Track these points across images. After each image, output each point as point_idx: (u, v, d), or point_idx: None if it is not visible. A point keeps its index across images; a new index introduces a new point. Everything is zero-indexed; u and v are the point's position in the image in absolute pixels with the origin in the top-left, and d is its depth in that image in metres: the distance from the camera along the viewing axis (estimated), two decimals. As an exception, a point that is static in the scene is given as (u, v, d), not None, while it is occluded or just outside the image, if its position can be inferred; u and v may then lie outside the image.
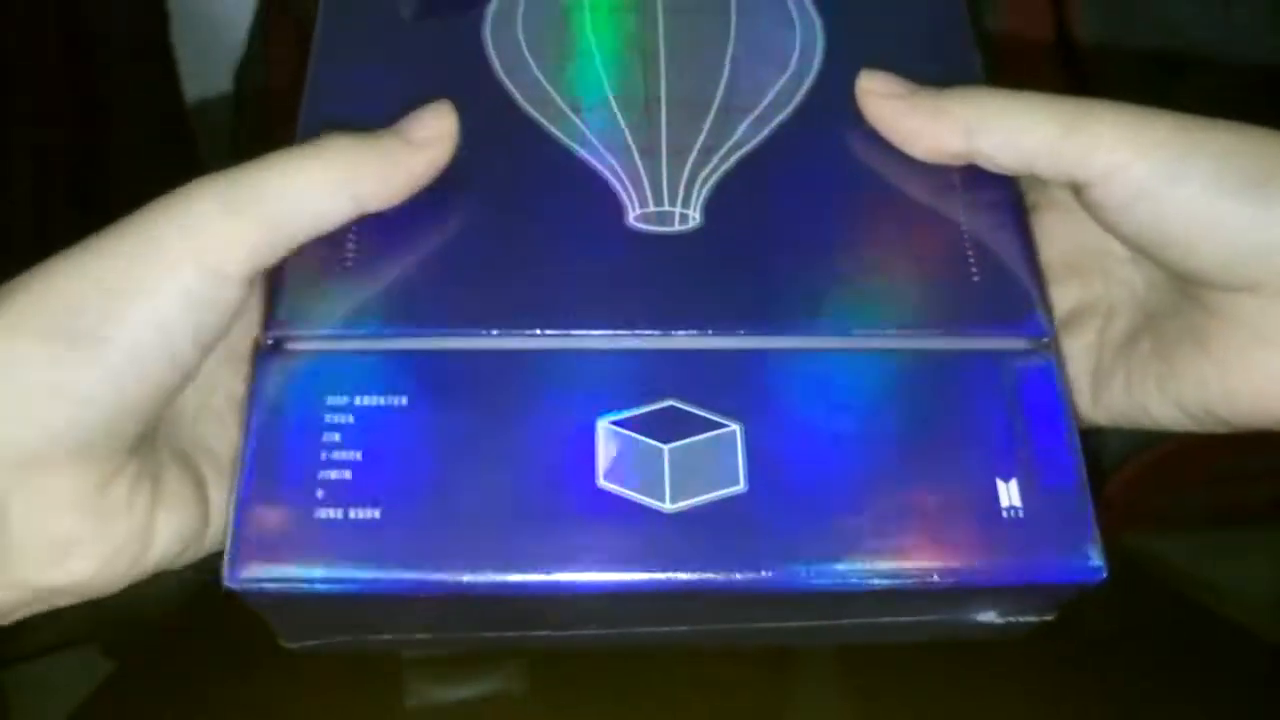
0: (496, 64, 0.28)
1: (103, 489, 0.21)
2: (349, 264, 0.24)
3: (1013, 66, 0.56)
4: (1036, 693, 0.39)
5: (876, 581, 0.22)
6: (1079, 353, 0.27)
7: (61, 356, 0.20)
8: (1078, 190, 0.25)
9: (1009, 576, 0.23)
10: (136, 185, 0.59)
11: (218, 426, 0.24)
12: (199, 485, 0.23)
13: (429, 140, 0.24)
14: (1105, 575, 0.24)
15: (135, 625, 0.49)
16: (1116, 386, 0.26)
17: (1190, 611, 0.46)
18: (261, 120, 0.58)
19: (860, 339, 0.24)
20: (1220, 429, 0.25)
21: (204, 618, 0.48)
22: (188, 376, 0.22)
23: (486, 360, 0.23)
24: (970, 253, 0.26)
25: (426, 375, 0.23)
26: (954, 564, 0.22)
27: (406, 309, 0.24)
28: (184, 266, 0.21)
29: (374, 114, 0.25)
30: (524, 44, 0.28)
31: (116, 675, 0.44)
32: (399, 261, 0.25)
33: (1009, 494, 0.23)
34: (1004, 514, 0.23)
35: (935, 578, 0.22)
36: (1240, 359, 0.24)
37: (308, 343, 0.24)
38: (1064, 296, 0.27)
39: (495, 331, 0.24)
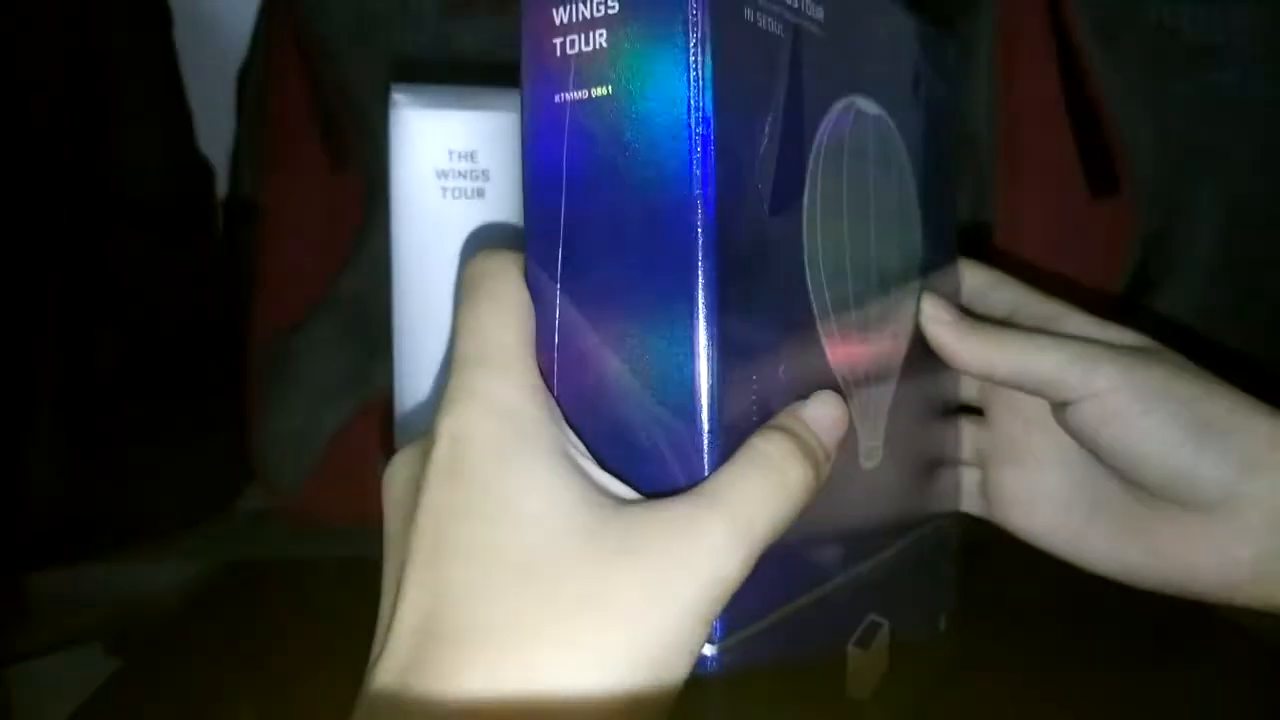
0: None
1: None
2: None
3: (1011, 75, 0.56)
4: (1034, 692, 0.39)
5: None
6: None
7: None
8: (1059, 407, 0.32)
9: None
10: (138, 186, 0.59)
11: None
12: None
13: (833, 432, 0.26)
14: None
15: (137, 625, 0.49)
16: (1049, 533, 0.35)
17: (1190, 611, 0.46)
18: (262, 124, 0.58)
19: None
20: (1143, 587, 0.33)
21: (206, 618, 0.48)
22: None
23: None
24: None
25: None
26: None
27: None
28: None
29: None
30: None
31: (118, 675, 0.44)
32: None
33: None
34: None
35: None
36: (1169, 548, 0.31)
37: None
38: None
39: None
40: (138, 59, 0.58)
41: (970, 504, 0.38)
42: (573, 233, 0.25)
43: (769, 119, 0.26)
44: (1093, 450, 0.32)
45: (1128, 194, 0.54)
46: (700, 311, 0.23)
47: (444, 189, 0.37)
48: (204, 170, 0.62)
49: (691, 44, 0.23)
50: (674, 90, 0.23)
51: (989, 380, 0.34)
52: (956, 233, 0.39)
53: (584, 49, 0.25)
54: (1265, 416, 0.30)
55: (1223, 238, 0.55)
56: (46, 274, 0.51)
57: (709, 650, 0.24)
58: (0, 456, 0.50)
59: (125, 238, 0.55)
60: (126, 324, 0.55)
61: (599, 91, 0.24)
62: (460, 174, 0.37)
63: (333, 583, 0.47)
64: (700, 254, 0.23)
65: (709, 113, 0.23)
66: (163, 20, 0.60)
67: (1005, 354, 0.32)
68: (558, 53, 0.25)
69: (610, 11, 0.24)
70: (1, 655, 0.45)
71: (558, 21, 0.25)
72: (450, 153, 0.37)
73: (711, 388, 0.23)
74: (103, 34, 0.54)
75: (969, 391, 0.38)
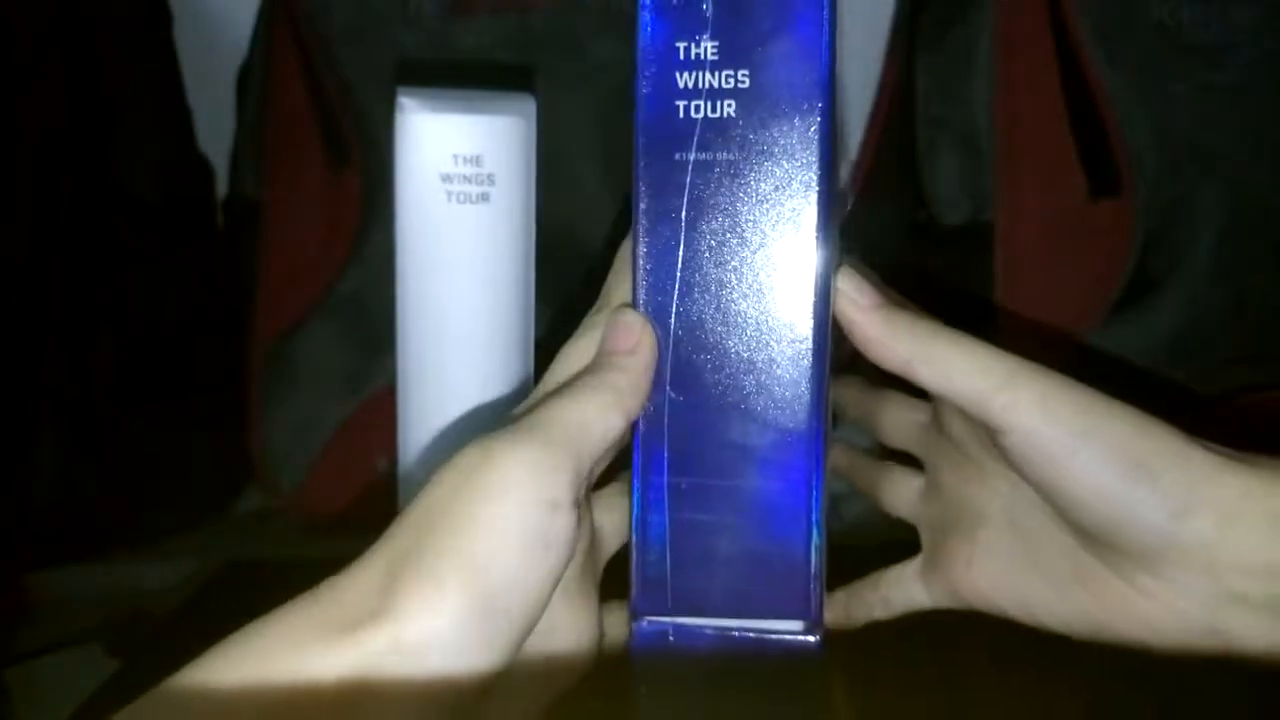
0: None
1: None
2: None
3: (1010, 75, 0.56)
4: (1033, 692, 0.39)
5: None
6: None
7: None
8: (991, 431, 0.29)
9: None
10: (138, 185, 0.59)
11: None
12: None
13: (645, 347, 0.28)
14: None
15: (139, 624, 0.49)
16: (992, 590, 0.33)
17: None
18: (262, 123, 0.58)
19: None
20: (1094, 641, 0.31)
21: (206, 618, 0.48)
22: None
23: None
24: None
25: None
26: None
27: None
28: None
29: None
30: None
31: (120, 674, 0.44)
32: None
33: None
34: None
35: None
36: (1114, 601, 0.29)
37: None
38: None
39: None
40: (138, 58, 0.58)
41: (907, 588, 0.36)
42: (688, 278, 0.29)
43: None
44: (1030, 484, 0.30)
45: (1127, 194, 0.55)
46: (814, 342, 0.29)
47: (449, 193, 0.37)
48: (204, 170, 0.62)
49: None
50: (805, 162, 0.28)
51: (904, 376, 0.30)
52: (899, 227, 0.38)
53: (710, 115, 0.28)
54: (1199, 451, 0.27)
55: (1223, 238, 0.55)
56: (46, 273, 0.51)
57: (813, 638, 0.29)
58: (0, 456, 0.50)
59: (125, 237, 0.55)
60: (126, 323, 0.55)
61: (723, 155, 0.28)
62: (465, 178, 0.37)
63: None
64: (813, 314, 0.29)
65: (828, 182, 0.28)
66: (163, 19, 0.59)
67: (930, 359, 0.29)
68: (680, 115, 0.28)
69: (741, 86, 0.28)
70: (1, 655, 0.45)
71: (681, 86, 0.28)
72: (455, 157, 0.37)
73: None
74: (102, 33, 0.54)
75: (905, 437, 0.36)
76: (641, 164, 0.28)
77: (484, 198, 0.37)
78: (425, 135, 0.37)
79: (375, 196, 0.55)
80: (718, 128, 0.28)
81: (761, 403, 0.29)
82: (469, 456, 0.25)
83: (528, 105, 0.38)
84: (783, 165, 0.28)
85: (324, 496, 0.56)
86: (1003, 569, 0.32)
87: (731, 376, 0.29)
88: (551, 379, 0.29)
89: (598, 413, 0.27)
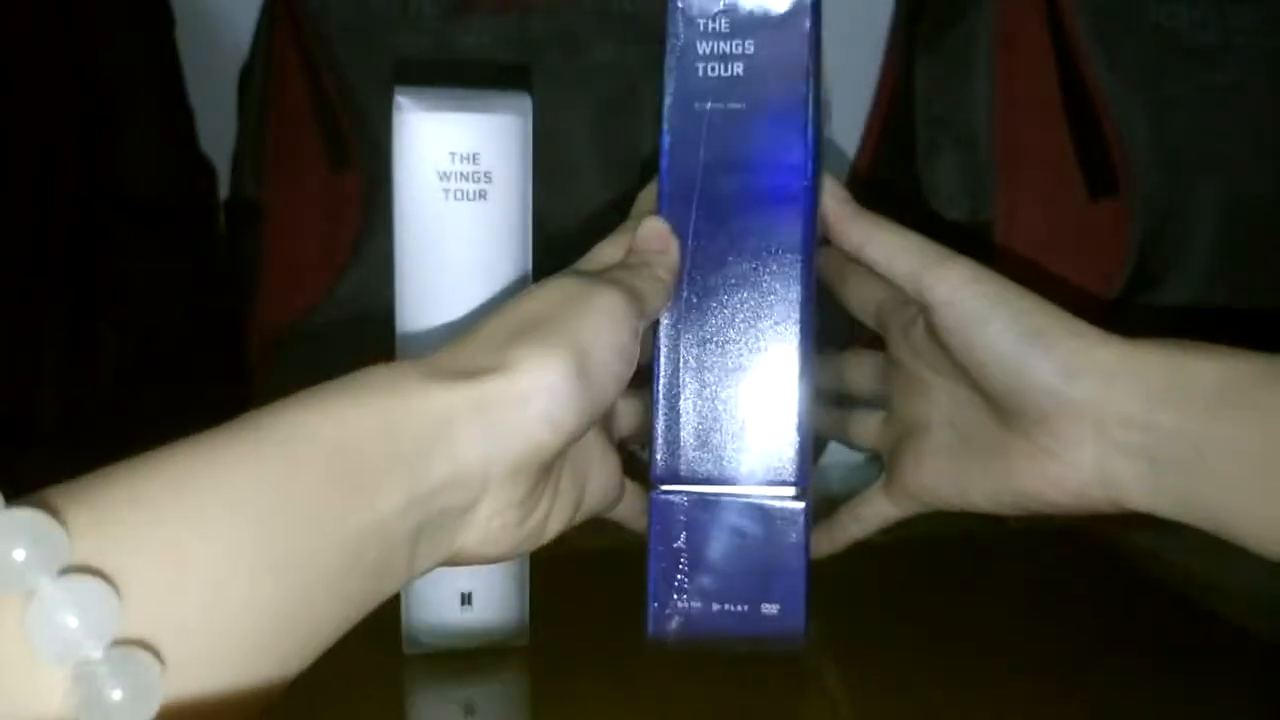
0: None
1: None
2: None
3: (1009, 76, 0.56)
4: (1034, 693, 0.39)
5: None
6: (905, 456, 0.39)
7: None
8: (926, 313, 0.36)
9: None
10: (140, 185, 0.59)
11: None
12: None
13: (672, 248, 0.35)
14: None
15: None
16: (936, 480, 0.38)
17: (1190, 611, 0.46)
18: (263, 124, 0.58)
19: None
20: (1018, 514, 0.36)
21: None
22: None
23: None
24: None
25: None
26: None
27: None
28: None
29: None
30: None
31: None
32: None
33: None
34: None
35: None
36: (1025, 464, 0.34)
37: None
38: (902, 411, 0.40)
39: None
40: (140, 59, 0.58)
41: (875, 504, 0.41)
42: (704, 198, 0.36)
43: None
44: (956, 362, 0.35)
45: (1126, 194, 0.55)
46: (801, 252, 0.35)
47: (446, 191, 0.37)
48: (206, 170, 0.62)
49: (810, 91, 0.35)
50: (793, 113, 0.35)
51: (859, 258, 0.37)
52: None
53: (723, 74, 0.36)
54: (1087, 326, 0.33)
55: (1221, 238, 0.55)
56: (48, 273, 0.51)
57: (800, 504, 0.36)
58: (1, 456, 0.50)
59: (127, 237, 0.55)
60: (128, 323, 0.56)
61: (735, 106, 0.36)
62: (463, 176, 0.37)
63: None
64: (802, 220, 0.35)
65: (814, 129, 0.35)
66: (164, 20, 0.60)
67: (876, 241, 0.36)
68: (700, 74, 0.36)
69: (747, 52, 0.35)
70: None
71: (701, 51, 0.36)
72: (452, 155, 0.37)
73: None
74: (104, 34, 0.55)
75: (868, 384, 0.43)
76: (670, 110, 0.36)
77: (481, 195, 0.38)
78: (422, 134, 0.37)
79: (376, 196, 0.55)
80: (729, 83, 0.35)
81: (762, 300, 0.35)
82: (568, 286, 0.31)
83: (524, 103, 0.38)
84: (778, 112, 0.35)
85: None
86: (943, 462, 0.38)
87: (737, 279, 0.35)
88: (585, 265, 0.35)
89: (649, 286, 0.33)
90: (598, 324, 0.30)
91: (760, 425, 0.36)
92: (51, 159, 0.51)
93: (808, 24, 0.35)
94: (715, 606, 0.35)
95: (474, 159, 0.37)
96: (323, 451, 0.24)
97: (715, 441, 0.36)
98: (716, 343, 0.36)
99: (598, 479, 0.35)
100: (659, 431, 0.36)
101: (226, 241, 0.62)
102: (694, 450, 0.36)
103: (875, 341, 0.42)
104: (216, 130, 0.61)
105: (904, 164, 0.60)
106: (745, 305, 0.35)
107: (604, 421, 0.36)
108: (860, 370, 0.44)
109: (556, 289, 0.31)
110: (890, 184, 0.62)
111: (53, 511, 0.20)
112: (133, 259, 0.56)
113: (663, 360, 0.36)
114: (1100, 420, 0.32)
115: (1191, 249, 0.55)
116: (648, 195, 0.38)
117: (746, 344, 0.36)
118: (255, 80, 0.58)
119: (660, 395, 0.36)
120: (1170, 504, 0.31)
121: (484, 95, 0.38)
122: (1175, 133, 0.54)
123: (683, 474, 0.36)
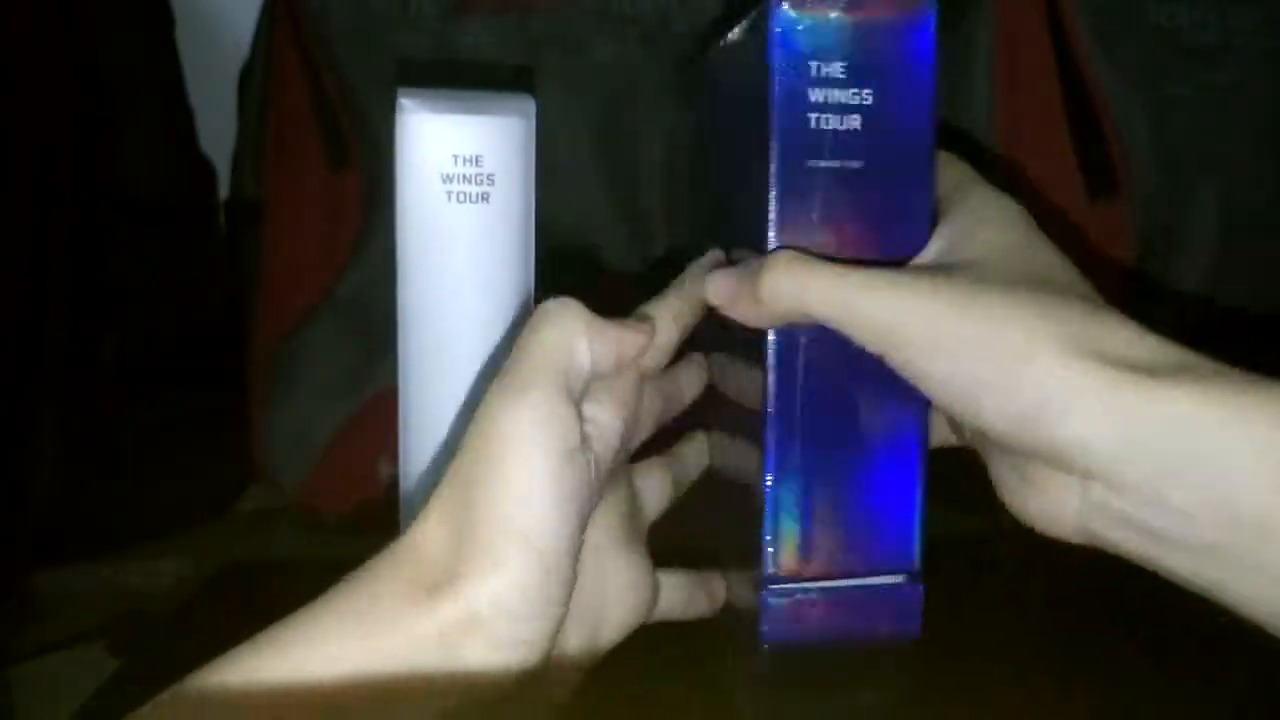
0: None
1: None
2: None
3: (1009, 76, 0.56)
4: (1035, 692, 0.39)
5: None
6: None
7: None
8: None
9: None
10: (140, 185, 0.59)
11: None
12: None
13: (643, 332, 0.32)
14: None
15: (137, 625, 0.49)
16: None
17: (1190, 611, 0.46)
18: (263, 124, 0.58)
19: None
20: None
21: (206, 618, 0.48)
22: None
23: None
24: None
25: None
26: None
27: None
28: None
29: None
30: None
31: (118, 675, 0.44)
32: None
33: None
34: None
35: None
36: (1022, 493, 0.30)
37: None
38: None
39: None
40: (140, 59, 0.58)
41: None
42: None
43: None
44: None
45: (1126, 194, 0.55)
46: None
47: (449, 193, 0.37)
48: (206, 170, 0.62)
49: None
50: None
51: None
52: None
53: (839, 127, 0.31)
54: (1078, 372, 0.27)
55: (1221, 238, 0.55)
56: (48, 273, 0.51)
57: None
58: (1, 456, 0.50)
59: (127, 237, 0.55)
60: (128, 323, 0.56)
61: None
62: (465, 178, 0.37)
63: (333, 583, 0.47)
64: None
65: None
66: (164, 20, 0.60)
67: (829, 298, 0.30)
68: (812, 126, 0.31)
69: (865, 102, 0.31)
70: (1, 655, 0.45)
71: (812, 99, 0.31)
72: (455, 157, 0.37)
73: None
74: (105, 34, 0.54)
75: None
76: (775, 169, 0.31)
77: (484, 198, 0.37)
78: (425, 135, 0.37)
79: (376, 197, 0.55)
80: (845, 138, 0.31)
81: (877, 386, 0.32)
82: (490, 433, 0.29)
83: (527, 105, 0.38)
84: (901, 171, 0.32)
85: (324, 497, 0.56)
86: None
87: (856, 371, 0.32)
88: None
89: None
90: (531, 479, 0.28)
91: (879, 512, 0.33)
92: (51, 159, 0.51)
93: (930, 69, 0.32)
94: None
95: (477, 161, 0.37)
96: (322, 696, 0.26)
97: (827, 531, 0.33)
98: (829, 429, 0.33)
99: (618, 600, 0.33)
100: (769, 525, 0.33)
101: (226, 241, 0.62)
102: (807, 541, 0.33)
103: None
104: (216, 130, 0.61)
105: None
106: (862, 393, 0.32)
107: (618, 528, 0.34)
108: None
109: (481, 438, 0.29)
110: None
111: None
112: (133, 259, 0.56)
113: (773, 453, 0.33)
114: (1087, 471, 0.27)
115: (1191, 249, 0.55)
116: (702, 265, 0.36)
117: (861, 433, 0.33)
118: (255, 80, 0.58)
119: (772, 489, 0.33)
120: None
121: (487, 97, 0.38)
122: (1175, 133, 0.54)
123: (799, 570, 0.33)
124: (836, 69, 0.31)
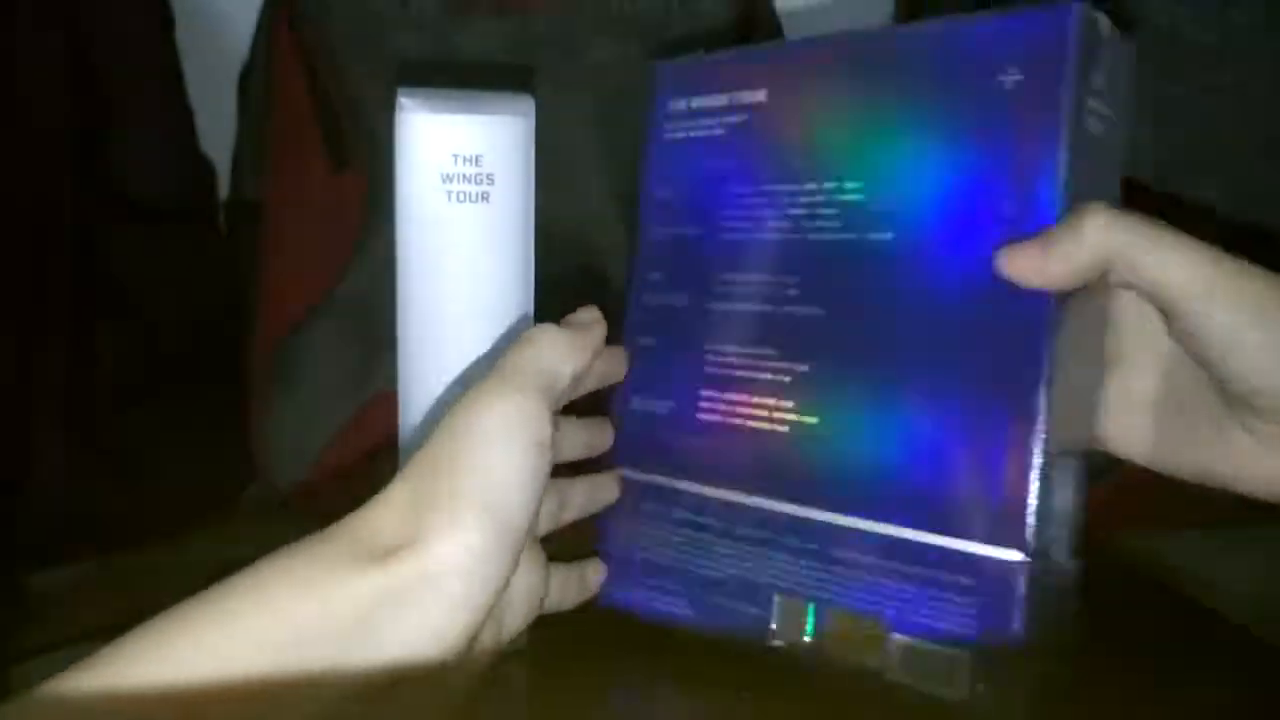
0: None
1: None
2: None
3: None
4: (1034, 691, 0.39)
5: None
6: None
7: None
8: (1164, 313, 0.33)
9: None
10: (141, 185, 0.59)
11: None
12: None
13: (598, 322, 0.35)
14: None
15: (138, 623, 0.49)
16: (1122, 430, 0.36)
17: (1190, 611, 0.46)
18: (264, 124, 0.58)
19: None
20: (1189, 479, 0.35)
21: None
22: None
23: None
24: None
25: None
26: None
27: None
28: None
29: None
30: None
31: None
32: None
33: None
34: None
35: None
36: (1248, 452, 0.32)
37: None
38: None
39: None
40: (140, 59, 0.58)
41: None
42: None
43: None
44: (1196, 356, 0.33)
45: (1123, 194, 0.55)
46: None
47: (449, 193, 0.37)
48: (206, 170, 0.62)
49: None
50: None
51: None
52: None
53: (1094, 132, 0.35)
54: None
55: (1222, 237, 0.55)
56: (49, 273, 0.51)
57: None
58: (2, 455, 0.50)
59: (127, 237, 0.55)
60: (128, 323, 0.56)
61: None
62: (465, 178, 0.37)
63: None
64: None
65: None
66: (165, 21, 0.60)
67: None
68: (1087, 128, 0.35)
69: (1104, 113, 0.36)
70: (1, 655, 0.45)
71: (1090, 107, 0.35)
72: (455, 156, 0.37)
73: None
74: (105, 35, 0.54)
75: None
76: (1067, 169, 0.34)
77: (484, 197, 0.37)
78: (425, 135, 0.37)
79: (377, 197, 0.55)
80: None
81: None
82: (464, 418, 0.31)
83: (527, 105, 0.38)
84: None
85: (324, 497, 0.56)
86: (1141, 414, 0.36)
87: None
88: None
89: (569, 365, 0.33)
90: (503, 461, 0.30)
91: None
92: (51, 159, 0.51)
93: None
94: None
95: (477, 161, 0.37)
96: (270, 653, 0.28)
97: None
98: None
99: (522, 593, 0.34)
100: None
101: (226, 241, 0.62)
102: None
103: None
104: (216, 130, 0.61)
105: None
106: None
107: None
108: None
109: (453, 430, 0.31)
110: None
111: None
112: (133, 259, 0.56)
113: None
114: None
115: (1191, 249, 0.55)
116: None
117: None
118: (255, 80, 0.58)
119: None
120: None
121: (487, 97, 0.38)
122: (1177, 132, 0.54)
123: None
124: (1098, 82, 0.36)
